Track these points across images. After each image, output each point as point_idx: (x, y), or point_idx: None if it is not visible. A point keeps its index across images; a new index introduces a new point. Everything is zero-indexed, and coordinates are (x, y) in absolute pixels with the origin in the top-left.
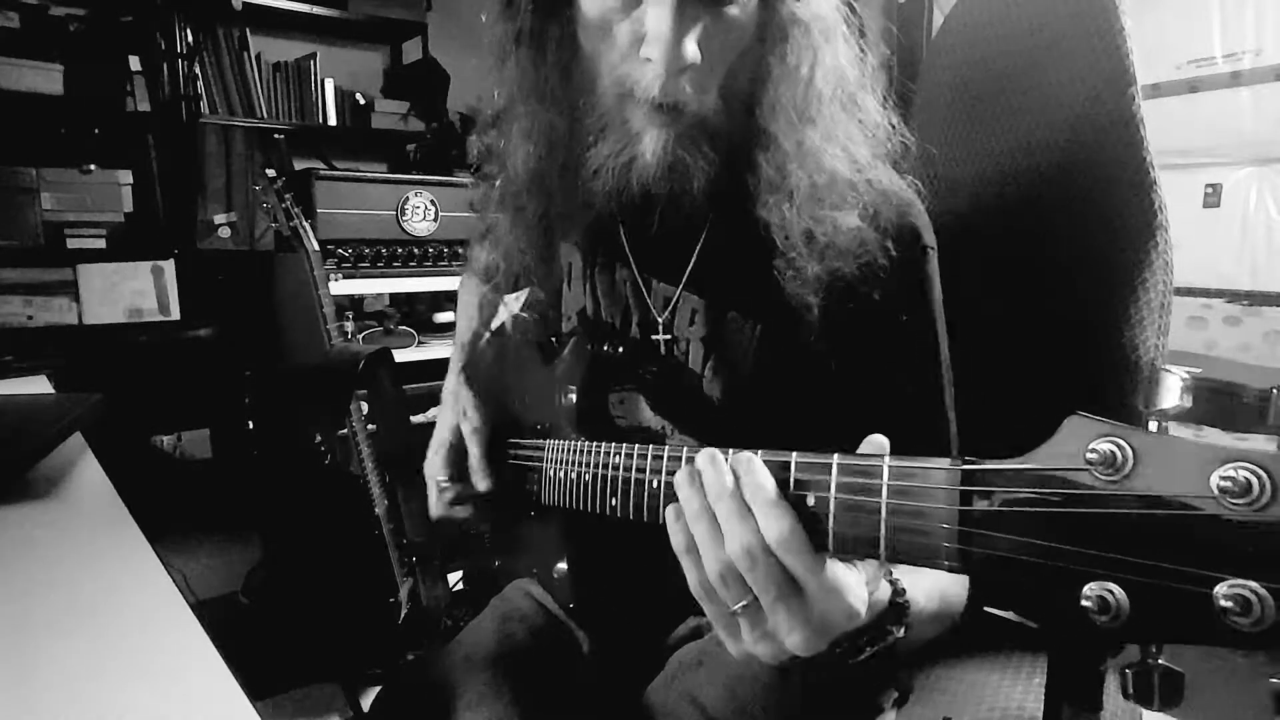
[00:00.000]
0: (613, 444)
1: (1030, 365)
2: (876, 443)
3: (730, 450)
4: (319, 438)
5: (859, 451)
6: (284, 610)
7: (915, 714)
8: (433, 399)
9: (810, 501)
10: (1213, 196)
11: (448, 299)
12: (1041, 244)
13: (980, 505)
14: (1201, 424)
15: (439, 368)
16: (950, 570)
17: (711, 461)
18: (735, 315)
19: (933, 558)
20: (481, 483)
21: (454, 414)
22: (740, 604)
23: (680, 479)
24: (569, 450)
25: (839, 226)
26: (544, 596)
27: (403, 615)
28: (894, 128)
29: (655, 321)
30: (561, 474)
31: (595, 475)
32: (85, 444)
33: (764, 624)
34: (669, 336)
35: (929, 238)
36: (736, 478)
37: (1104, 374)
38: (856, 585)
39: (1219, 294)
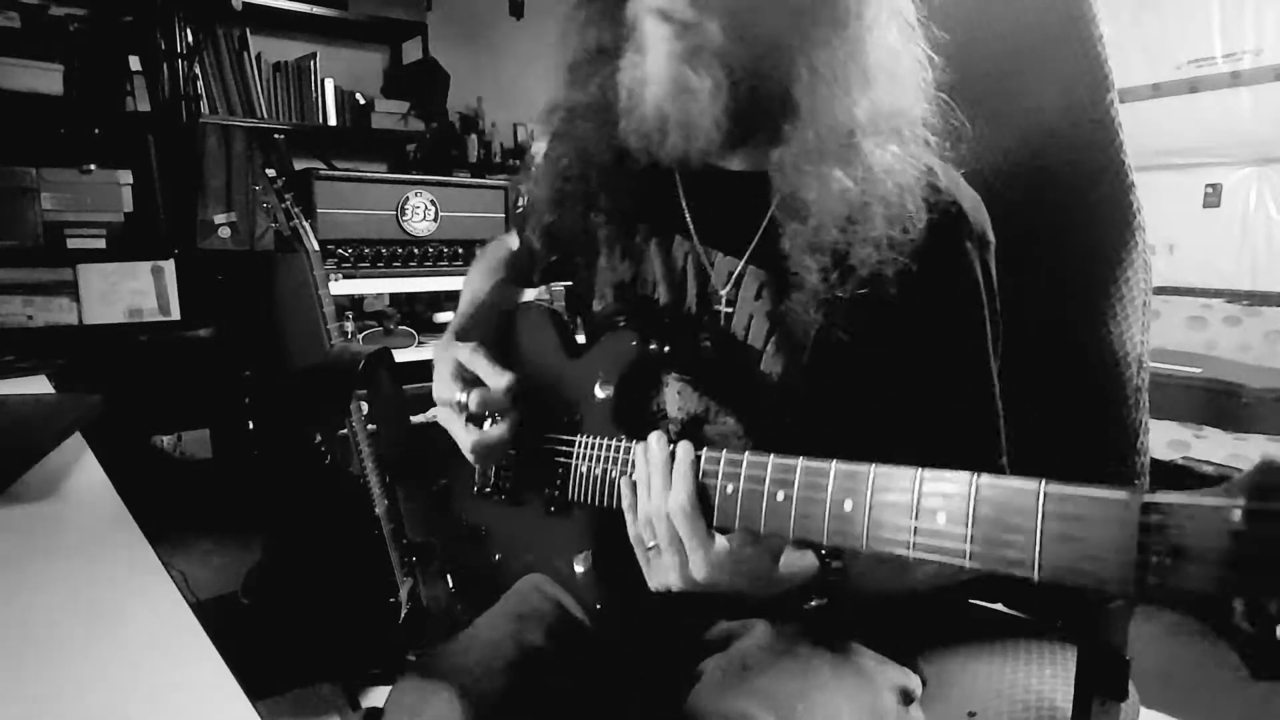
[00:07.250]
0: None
1: (1021, 363)
2: None
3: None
4: (319, 438)
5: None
6: (284, 610)
7: (938, 710)
8: (433, 399)
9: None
10: (1213, 196)
11: (448, 299)
12: (1025, 245)
13: (1157, 539)
14: (1202, 424)
15: None
16: (1119, 597)
17: (658, 441)
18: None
19: (1100, 584)
20: (500, 379)
21: (446, 363)
22: (651, 545)
23: (638, 450)
24: (604, 448)
25: (860, 237)
26: (562, 595)
27: (403, 615)
28: (951, 107)
29: (715, 294)
30: (598, 471)
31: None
32: (85, 444)
33: (660, 561)
34: (730, 309)
35: (990, 233)
36: (673, 456)
37: (1093, 371)
38: (725, 559)
39: (1219, 294)
